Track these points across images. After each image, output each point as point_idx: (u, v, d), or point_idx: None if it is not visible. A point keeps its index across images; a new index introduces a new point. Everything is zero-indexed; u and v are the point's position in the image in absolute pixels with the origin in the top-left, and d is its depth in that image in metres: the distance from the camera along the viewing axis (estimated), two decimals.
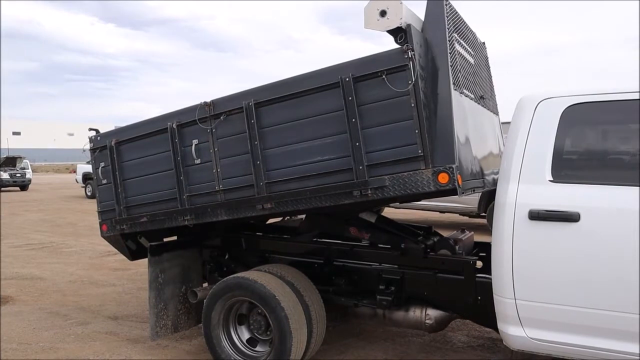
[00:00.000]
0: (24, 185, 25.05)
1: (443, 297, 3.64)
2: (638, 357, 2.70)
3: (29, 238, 10.66)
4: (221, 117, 3.63)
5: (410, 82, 2.92)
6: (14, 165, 25.39)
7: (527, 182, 2.90)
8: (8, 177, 24.40)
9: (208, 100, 3.72)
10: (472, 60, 3.82)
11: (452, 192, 2.95)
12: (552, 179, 2.85)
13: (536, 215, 2.82)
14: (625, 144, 2.91)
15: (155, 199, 4.07)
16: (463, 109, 3.28)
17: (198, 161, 3.78)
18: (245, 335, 3.83)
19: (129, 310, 5.55)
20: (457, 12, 3.46)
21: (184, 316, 4.34)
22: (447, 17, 3.15)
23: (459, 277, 3.53)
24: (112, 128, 4.87)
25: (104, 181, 4.41)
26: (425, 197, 3.47)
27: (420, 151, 2.95)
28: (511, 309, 2.94)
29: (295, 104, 3.34)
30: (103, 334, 4.80)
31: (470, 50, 3.79)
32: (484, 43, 4.38)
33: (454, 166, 2.88)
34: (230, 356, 3.73)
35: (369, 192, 3.11)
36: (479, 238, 4.39)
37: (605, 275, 2.69)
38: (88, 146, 4.56)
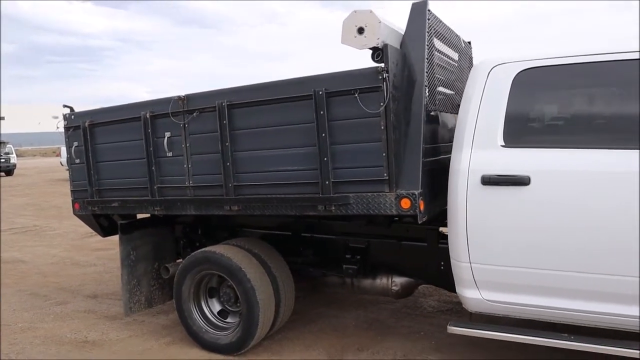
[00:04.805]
0: (8, 171, 24.84)
1: (408, 264, 3.73)
2: (588, 314, 2.80)
3: (13, 222, 10.65)
4: (194, 114, 3.60)
5: (382, 103, 2.90)
6: None
7: (479, 148, 2.95)
8: None
9: (182, 94, 3.68)
10: (455, 64, 3.83)
11: (414, 217, 2.97)
12: (504, 144, 2.90)
13: (488, 180, 2.87)
14: (575, 107, 2.96)
15: (126, 185, 4.07)
16: (439, 126, 3.33)
17: (170, 154, 3.76)
18: (217, 307, 3.92)
19: (108, 288, 5.62)
20: (440, 21, 3.44)
21: (157, 292, 4.41)
22: (429, 31, 3.14)
23: (422, 244, 3.61)
24: None
25: (77, 161, 4.39)
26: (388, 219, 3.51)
27: (385, 174, 2.96)
28: (467, 273, 3.02)
29: (269, 110, 3.31)
30: (82, 312, 4.87)
31: (452, 56, 3.78)
32: (469, 43, 4.37)
33: (417, 193, 2.91)
34: (202, 328, 3.82)
35: (333, 207, 3.14)
36: None
37: (555, 237, 2.77)
38: (62, 124, 4.53)
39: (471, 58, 4.39)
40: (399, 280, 3.78)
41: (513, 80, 2.93)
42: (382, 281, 3.81)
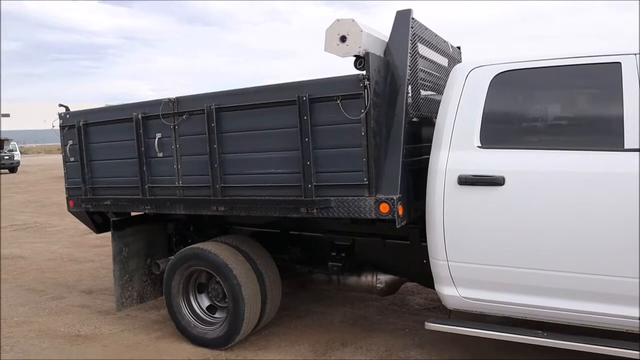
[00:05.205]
0: (12, 168, 25.07)
1: (392, 262, 3.81)
2: (562, 312, 2.87)
3: (14, 219, 10.79)
4: (184, 116, 3.71)
5: (363, 110, 2.99)
6: (1, 148, 25.35)
7: (457, 148, 3.02)
8: None
9: (172, 97, 3.78)
10: (444, 70, 3.90)
11: (392, 221, 3.05)
12: (480, 145, 2.98)
13: (464, 180, 2.95)
14: (549, 109, 3.03)
15: (119, 184, 4.18)
16: (423, 130, 3.41)
17: (160, 154, 3.87)
18: (206, 302, 4.01)
19: (104, 284, 5.72)
20: (425, 28, 3.51)
21: (149, 287, 4.51)
22: (412, 38, 3.22)
23: (405, 243, 3.69)
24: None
25: (72, 159, 4.50)
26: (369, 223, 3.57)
27: (365, 179, 3.05)
28: (444, 270, 3.10)
29: (255, 114, 3.41)
30: (76, 307, 4.97)
31: (440, 62, 3.85)
32: (458, 48, 4.44)
33: (395, 198, 2.99)
34: (190, 323, 3.91)
35: (315, 210, 3.23)
36: None
37: (528, 236, 2.84)
38: (57, 123, 4.64)
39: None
40: (383, 278, 3.86)
41: (490, 83, 3.01)
42: (367, 278, 3.89)
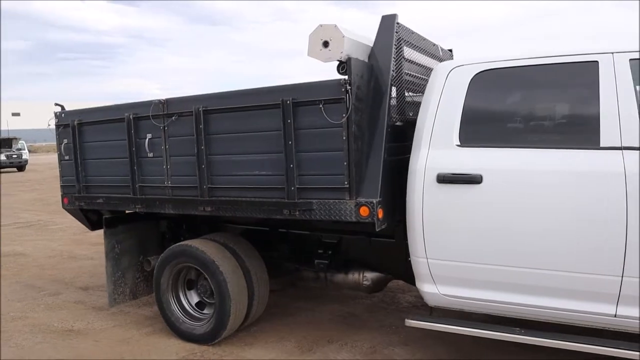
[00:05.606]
0: (20, 166, 25.36)
1: (377, 260, 3.85)
2: (540, 309, 2.90)
3: (18, 217, 10.93)
4: (173, 117, 3.78)
5: (344, 115, 3.03)
6: (10, 147, 25.64)
7: (436, 147, 3.06)
8: (5, 158, 24.69)
9: (163, 98, 3.87)
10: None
11: (372, 225, 3.09)
12: (459, 144, 3.01)
13: (443, 179, 2.98)
14: (527, 108, 3.05)
15: (111, 183, 4.26)
16: (408, 133, 3.40)
17: (151, 155, 3.95)
18: (195, 299, 4.07)
19: (101, 281, 5.77)
20: (412, 33, 3.54)
21: (142, 284, 4.58)
22: (397, 43, 3.25)
23: (391, 241, 3.72)
24: None
25: (66, 157, 4.59)
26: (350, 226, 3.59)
27: (346, 182, 3.09)
28: (424, 268, 3.13)
29: (241, 117, 3.48)
30: (72, 303, 5.06)
31: (430, 65, 3.87)
32: (450, 50, 4.45)
33: (375, 201, 3.03)
34: (179, 318, 3.98)
35: (297, 212, 3.29)
36: None
37: (505, 233, 2.87)
38: (53, 121, 4.72)
39: None
40: (370, 275, 3.89)
41: (470, 82, 3.04)
42: (353, 276, 3.93)
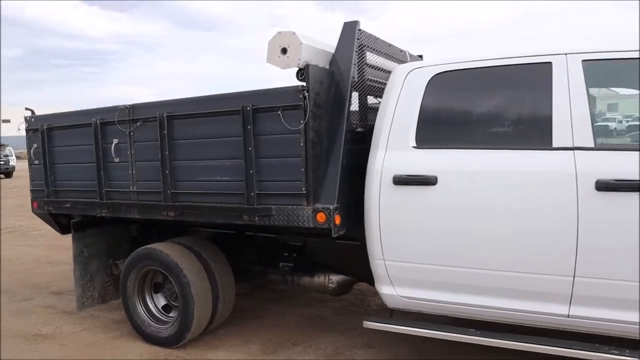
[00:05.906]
0: (8, 173, 25.15)
1: (342, 262, 3.86)
2: (495, 310, 2.92)
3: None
4: (138, 123, 3.81)
5: (302, 121, 3.06)
6: None
7: (393, 149, 3.09)
8: None
9: (128, 104, 3.89)
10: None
11: (329, 231, 3.12)
12: (415, 145, 3.04)
13: (399, 180, 3.01)
14: (481, 109, 3.09)
15: (79, 187, 4.27)
16: (368, 141, 3.40)
17: (117, 160, 3.98)
18: (162, 302, 4.07)
19: (73, 285, 5.76)
20: (376, 39, 3.57)
21: (111, 288, 4.56)
22: (359, 49, 3.28)
23: (355, 243, 3.73)
24: None
25: (36, 162, 4.58)
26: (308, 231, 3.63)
27: (304, 189, 3.12)
28: (382, 269, 3.15)
29: (204, 122, 3.51)
30: (42, 307, 5.03)
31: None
32: (420, 56, 4.48)
33: (332, 207, 3.06)
34: (145, 322, 3.97)
35: (257, 218, 3.31)
36: None
37: (460, 235, 2.90)
38: (23, 126, 4.72)
39: None
40: (335, 278, 3.90)
41: (427, 84, 3.08)
42: (319, 279, 3.94)
